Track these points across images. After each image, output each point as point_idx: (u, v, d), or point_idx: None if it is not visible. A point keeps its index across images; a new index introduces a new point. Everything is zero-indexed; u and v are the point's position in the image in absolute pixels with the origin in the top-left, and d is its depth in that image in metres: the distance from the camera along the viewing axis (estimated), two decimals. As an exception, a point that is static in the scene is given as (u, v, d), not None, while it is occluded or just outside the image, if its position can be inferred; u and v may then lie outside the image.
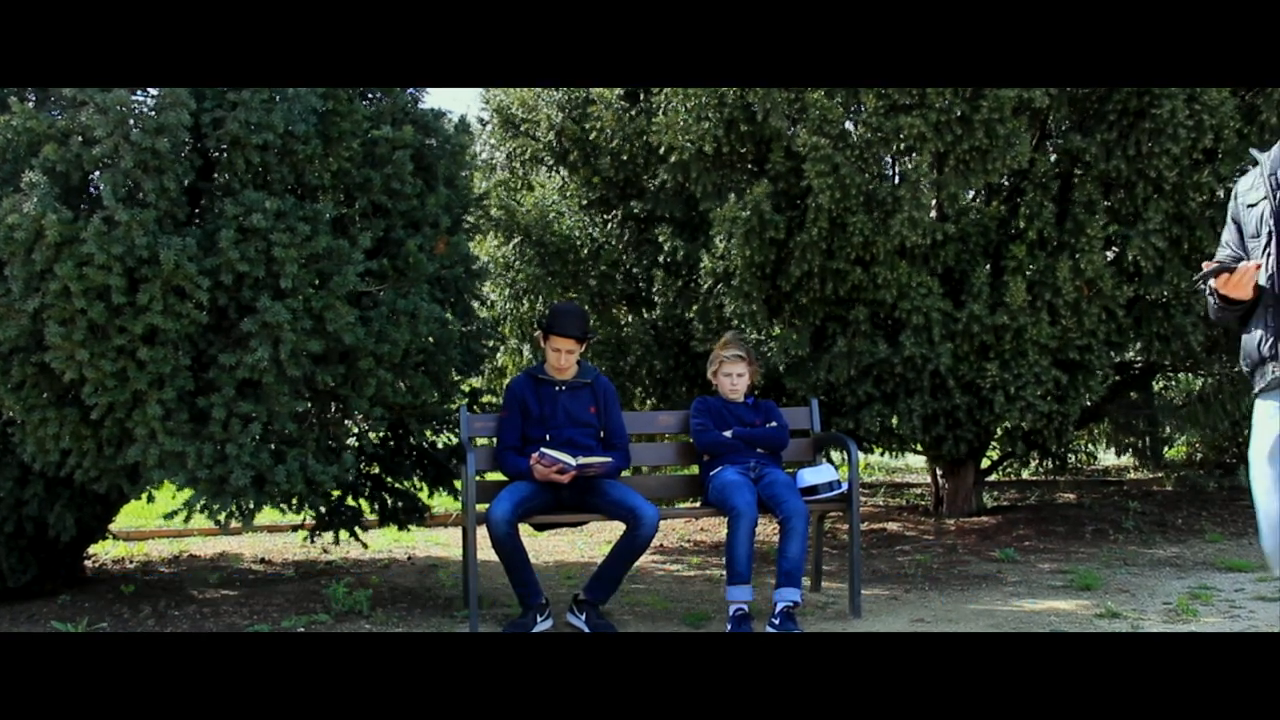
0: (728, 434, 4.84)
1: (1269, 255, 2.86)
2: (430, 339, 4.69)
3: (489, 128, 7.07)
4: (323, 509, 4.92)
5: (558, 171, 6.97)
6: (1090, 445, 9.17)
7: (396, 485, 5.23)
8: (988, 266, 5.92)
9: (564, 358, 4.71)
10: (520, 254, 6.81)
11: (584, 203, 6.82)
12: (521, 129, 6.84)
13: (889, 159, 5.92)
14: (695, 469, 5.10)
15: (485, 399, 5.67)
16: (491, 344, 5.46)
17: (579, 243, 6.81)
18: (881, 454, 8.18)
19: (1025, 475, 8.96)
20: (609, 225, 6.81)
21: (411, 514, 5.21)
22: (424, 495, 5.38)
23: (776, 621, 4.38)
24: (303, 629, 4.55)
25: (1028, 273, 5.76)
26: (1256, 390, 2.95)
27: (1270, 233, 2.87)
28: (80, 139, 4.07)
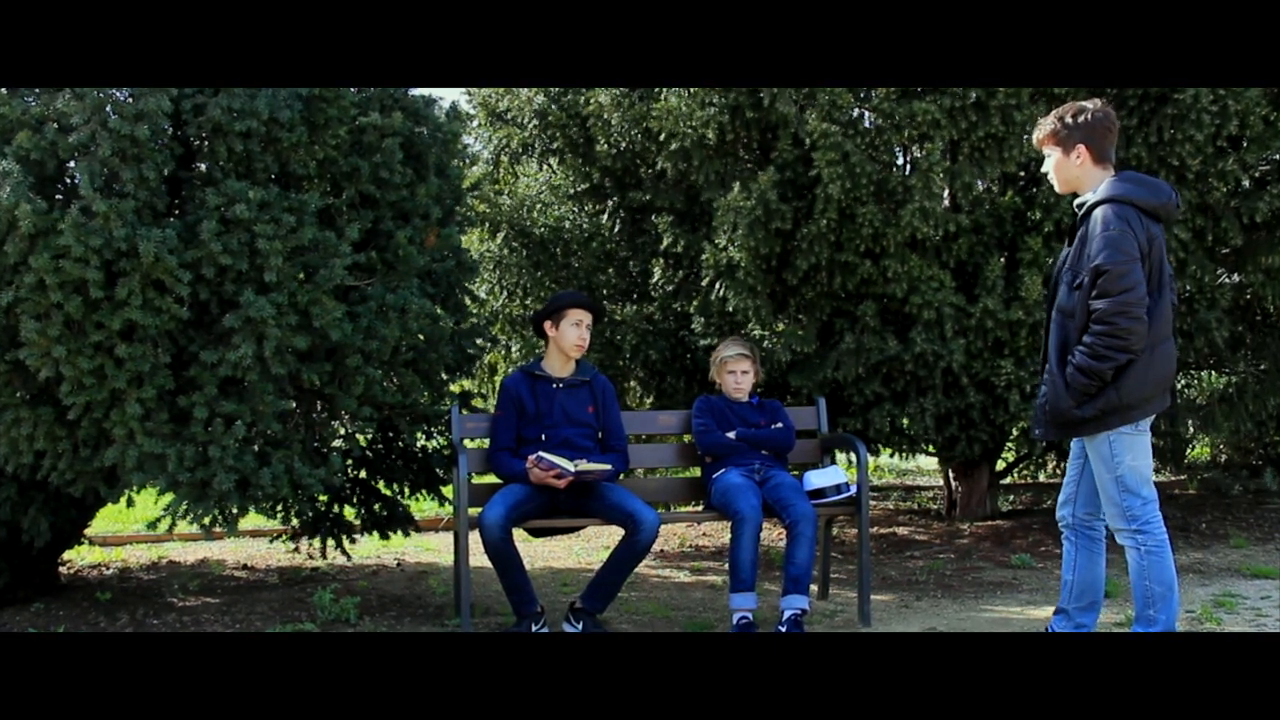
0: (731, 435, 4.72)
1: None
2: (421, 336, 4.58)
3: (475, 121, 6.90)
4: (309, 514, 4.77)
5: (546, 163, 6.80)
6: (1108, 446, 8.97)
7: (384, 491, 5.07)
8: (1002, 259, 5.76)
9: (585, 331, 4.61)
10: (508, 248, 6.63)
11: (572, 193, 6.64)
12: (507, 117, 6.67)
13: (900, 147, 5.75)
14: (697, 471, 4.98)
15: (475, 401, 5.51)
16: (482, 342, 5.30)
17: (568, 235, 6.63)
18: (891, 455, 8.03)
19: (1042, 478, 8.80)
20: (601, 216, 6.64)
21: (396, 522, 5.04)
22: (409, 499, 5.21)
23: (783, 630, 4.26)
24: (288, 637, 4.42)
25: (1044, 266, 5.58)
26: None
27: None
28: (56, 126, 3.99)
